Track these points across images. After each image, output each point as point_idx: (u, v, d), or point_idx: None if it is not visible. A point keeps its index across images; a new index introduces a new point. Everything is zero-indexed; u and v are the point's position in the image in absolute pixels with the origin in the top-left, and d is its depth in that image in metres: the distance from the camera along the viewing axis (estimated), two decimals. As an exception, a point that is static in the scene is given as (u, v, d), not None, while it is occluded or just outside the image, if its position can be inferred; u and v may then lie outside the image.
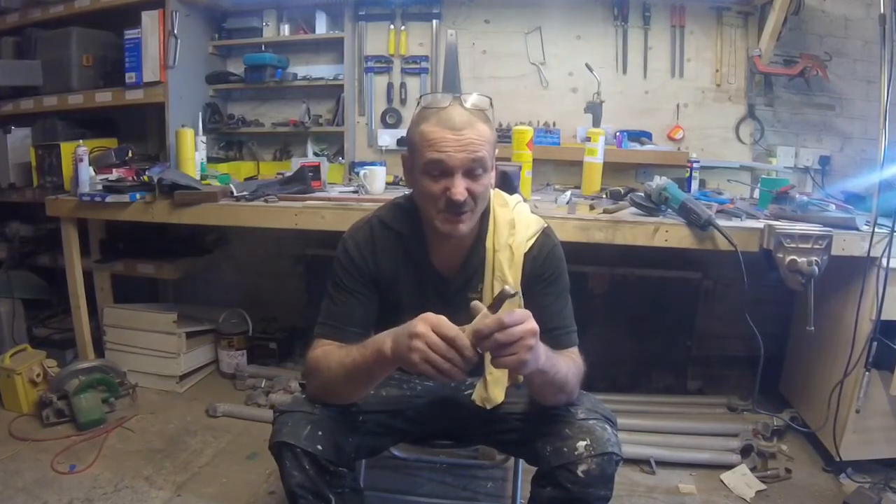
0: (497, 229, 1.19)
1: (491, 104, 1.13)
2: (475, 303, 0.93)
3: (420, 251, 1.20)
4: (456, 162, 1.05)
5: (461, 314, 0.93)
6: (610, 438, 1.06)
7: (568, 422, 1.09)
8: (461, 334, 0.88)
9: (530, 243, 1.18)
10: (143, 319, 2.38)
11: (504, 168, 1.46)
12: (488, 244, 1.19)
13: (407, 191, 1.24)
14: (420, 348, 0.88)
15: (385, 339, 0.97)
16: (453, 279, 1.21)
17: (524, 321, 0.89)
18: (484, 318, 0.89)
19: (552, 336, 1.10)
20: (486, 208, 1.18)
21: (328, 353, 1.09)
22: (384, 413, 1.23)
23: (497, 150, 1.15)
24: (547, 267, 1.19)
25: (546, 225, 1.23)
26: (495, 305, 0.90)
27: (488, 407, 1.20)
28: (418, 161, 1.09)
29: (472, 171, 1.07)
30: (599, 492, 1.05)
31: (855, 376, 1.76)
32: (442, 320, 0.90)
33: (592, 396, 1.17)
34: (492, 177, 1.14)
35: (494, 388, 1.20)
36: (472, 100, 1.10)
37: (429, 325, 0.89)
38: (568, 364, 1.07)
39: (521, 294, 1.16)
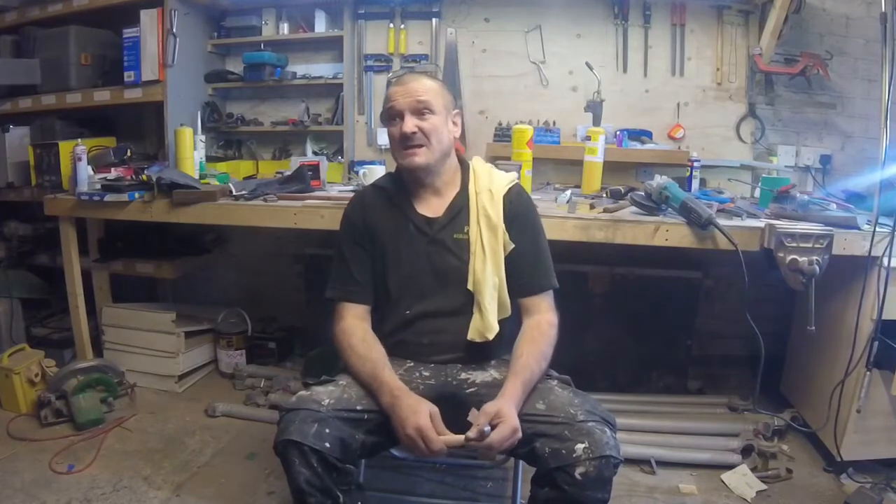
0: (477, 178, 1.40)
1: (437, 71, 1.44)
2: (470, 432, 1.09)
3: (404, 201, 1.40)
4: (403, 105, 1.31)
5: (441, 251, 1.33)
6: (608, 441, 1.07)
7: (567, 423, 1.09)
8: (442, 448, 1.09)
9: (507, 187, 1.39)
10: (142, 319, 2.38)
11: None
12: (471, 189, 1.38)
13: None
14: (406, 442, 1.12)
15: (386, 397, 1.16)
16: (437, 219, 1.37)
17: (505, 441, 1.08)
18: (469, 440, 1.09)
19: (530, 285, 1.33)
20: (466, 166, 1.42)
21: (351, 342, 1.27)
22: None
23: (457, 112, 1.40)
24: (522, 206, 1.39)
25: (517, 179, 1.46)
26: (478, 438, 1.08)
27: (490, 337, 1.29)
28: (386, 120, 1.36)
29: (419, 112, 1.31)
30: (596, 494, 1.05)
31: (856, 376, 1.75)
32: (430, 435, 1.09)
33: (591, 398, 1.18)
34: (448, 125, 1.35)
35: (490, 317, 1.30)
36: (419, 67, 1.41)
37: (420, 437, 1.09)
38: (537, 360, 1.22)
39: (505, 230, 1.34)
